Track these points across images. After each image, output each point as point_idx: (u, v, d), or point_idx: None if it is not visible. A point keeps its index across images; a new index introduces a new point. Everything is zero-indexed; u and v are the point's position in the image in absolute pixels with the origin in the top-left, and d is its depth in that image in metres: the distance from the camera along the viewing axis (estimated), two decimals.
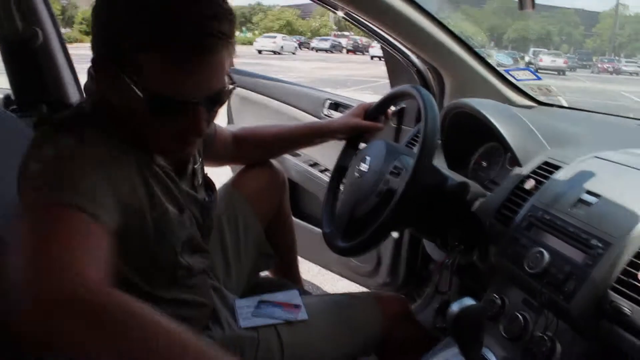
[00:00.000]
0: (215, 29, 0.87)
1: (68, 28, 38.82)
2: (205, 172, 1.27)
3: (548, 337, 1.02)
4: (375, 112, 1.50)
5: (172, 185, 1.07)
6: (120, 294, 0.71)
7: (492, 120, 1.38)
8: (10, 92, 1.97)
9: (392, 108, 1.55)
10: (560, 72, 26.96)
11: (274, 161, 1.59)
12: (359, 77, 17.88)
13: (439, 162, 1.63)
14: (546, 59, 28.74)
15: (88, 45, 0.97)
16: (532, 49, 36.13)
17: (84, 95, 1.04)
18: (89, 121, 0.96)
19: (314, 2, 1.71)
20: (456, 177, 1.35)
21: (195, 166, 1.20)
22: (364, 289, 2.32)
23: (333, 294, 1.93)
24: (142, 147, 1.00)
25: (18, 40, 1.83)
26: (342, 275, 2.42)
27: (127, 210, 0.92)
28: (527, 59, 32.51)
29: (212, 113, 0.99)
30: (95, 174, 0.86)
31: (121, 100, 0.93)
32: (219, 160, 1.47)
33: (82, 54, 1.02)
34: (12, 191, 0.89)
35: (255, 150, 1.54)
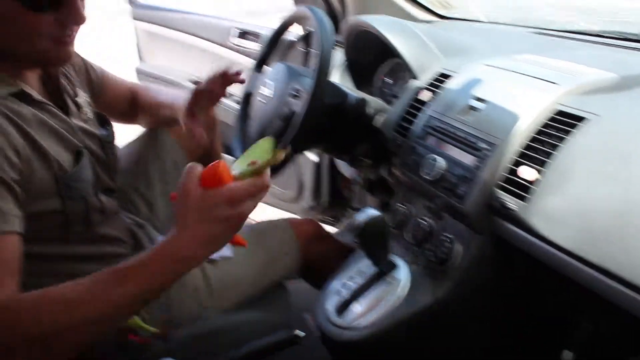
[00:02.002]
0: None
1: None
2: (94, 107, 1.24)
3: (448, 238, 1.09)
4: (276, 36, 1.49)
5: (60, 123, 1.04)
6: (29, 296, 0.79)
7: (388, 36, 1.40)
8: None
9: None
10: None
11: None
12: (274, 5, 17.41)
13: (346, 82, 1.65)
14: None
15: None
16: None
17: None
18: None
19: None
20: (357, 94, 1.38)
21: (78, 99, 1.17)
22: (291, 215, 2.37)
23: (251, 224, 1.97)
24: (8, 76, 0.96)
25: None
26: (267, 204, 2.45)
27: (26, 194, 0.91)
28: None
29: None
30: None
31: None
32: (112, 114, 1.35)
33: None
34: None
35: (141, 116, 1.49)
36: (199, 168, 0.79)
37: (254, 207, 0.80)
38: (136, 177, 1.47)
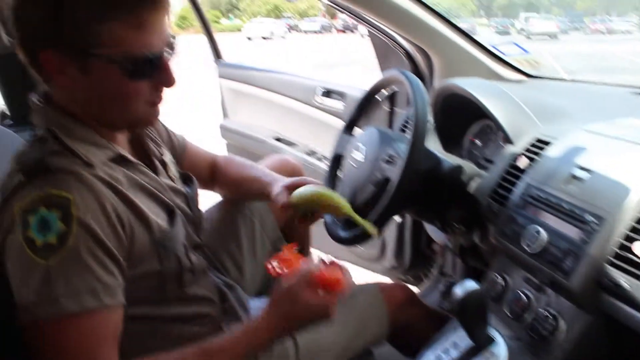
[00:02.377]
0: None
1: None
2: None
3: (551, 314, 1.04)
4: (366, 100, 1.50)
5: (152, 182, 1.07)
6: None
7: (481, 99, 1.38)
8: (4, 107, 1.97)
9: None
10: (552, 36, 26.72)
11: (289, 155, 1.58)
12: (351, 57, 17.74)
13: (434, 144, 1.64)
14: (537, 24, 28.44)
15: None
16: (522, 15, 35.77)
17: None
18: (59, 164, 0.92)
19: None
20: (451, 159, 1.36)
21: (164, 157, 1.21)
22: (372, 274, 2.34)
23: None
24: (101, 149, 0.99)
25: (6, 55, 1.82)
26: (348, 262, 2.43)
27: (127, 262, 0.95)
28: (518, 25, 32.22)
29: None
30: (90, 258, 0.88)
31: (76, 91, 0.95)
32: None
33: None
34: None
35: (222, 187, 1.51)
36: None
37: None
38: (225, 237, 1.50)
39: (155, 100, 1.01)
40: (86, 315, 0.87)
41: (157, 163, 1.17)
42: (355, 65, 14.95)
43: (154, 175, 1.10)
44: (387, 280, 2.29)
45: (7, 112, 1.97)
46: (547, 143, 1.23)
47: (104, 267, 0.89)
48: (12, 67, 1.84)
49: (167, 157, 1.23)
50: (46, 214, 0.86)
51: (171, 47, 1.00)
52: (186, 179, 1.28)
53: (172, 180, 1.19)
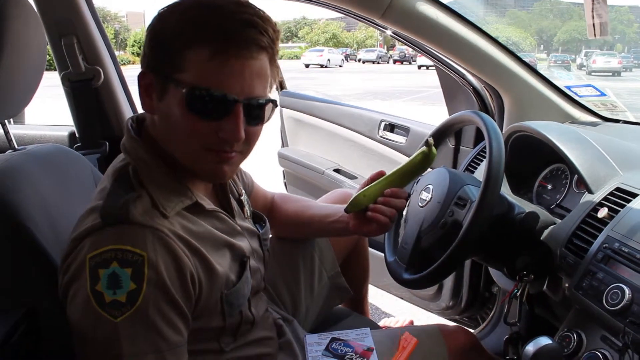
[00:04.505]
0: (256, 35, 0.90)
1: (121, 51, 40.12)
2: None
3: None
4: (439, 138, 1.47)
5: (228, 230, 1.05)
6: None
7: (558, 143, 1.33)
8: (74, 129, 2.03)
9: None
10: (615, 73, 26.03)
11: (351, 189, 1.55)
12: (407, 88, 17.75)
13: (502, 186, 1.58)
14: (599, 60, 27.73)
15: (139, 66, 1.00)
16: (584, 51, 35.07)
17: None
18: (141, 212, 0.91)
19: (358, 19, 1.70)
20: (521, 203, 1.31)
21: (242, 197, 1.20)
22: (426, 312, 2.28)
23: (398, 327, 1.90)
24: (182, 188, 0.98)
25: (81, 80, 1.89)
26: (402, 298, 2.38)
27: (192, 318, 0.94)
28: (579, 61, 31.58)
29: (252, 127, 0.96)
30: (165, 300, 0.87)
31: (164, 117, 0.95)
32: None
33: (134, 75, 1.05)
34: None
35: (283, 226, 1.47)
36: None
37: None
38: (284, 270, 1.48)
39: (213, 147, 0.94)
40: None
41: (235, 204, 1.16)
42: (410, 96, 14.94)
43: (230, 220, 1.08)
44: (441, 320, 2.22)
45: (77, 134, 2.03)
46: (630, 193, 1.17)
47: (172, 326, 0.88)
48: (86, 92, 1.91)
49: (244, 196, 1.23)
50: (118, 270, 0.84)
51: (257, 106, 0.94)
52: (259, 219, 1.27)
53: (246, 220, 1.18)
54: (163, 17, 0.93)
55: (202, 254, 0.95)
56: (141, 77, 0.95)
